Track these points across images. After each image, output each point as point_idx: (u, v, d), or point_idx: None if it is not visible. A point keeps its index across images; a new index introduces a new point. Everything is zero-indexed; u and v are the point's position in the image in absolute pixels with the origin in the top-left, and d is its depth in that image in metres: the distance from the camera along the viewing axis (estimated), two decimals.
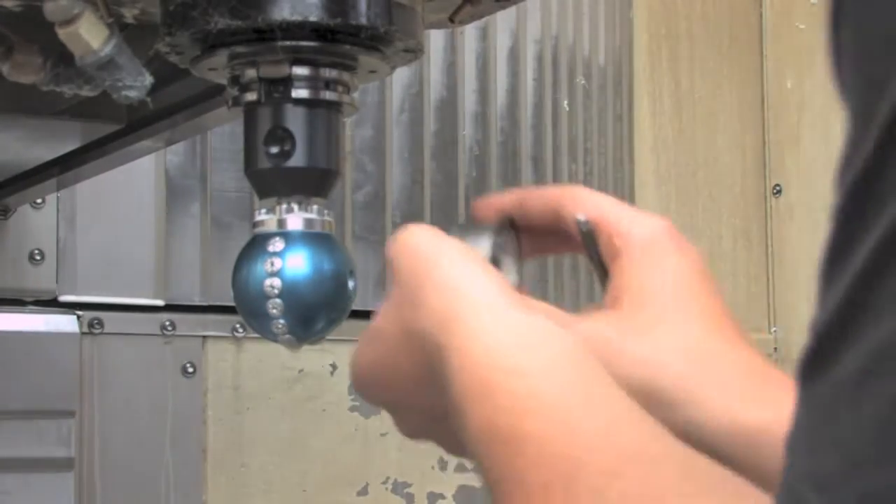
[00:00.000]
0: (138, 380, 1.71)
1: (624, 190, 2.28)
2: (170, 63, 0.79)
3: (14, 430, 1.62)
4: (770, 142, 2.57)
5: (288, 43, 0.75)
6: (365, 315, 0.71)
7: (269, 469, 1.80)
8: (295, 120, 0.76)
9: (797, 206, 2.55)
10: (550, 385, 0.53)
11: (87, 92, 0.83)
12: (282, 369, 1.81)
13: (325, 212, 0.76)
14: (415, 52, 0.79)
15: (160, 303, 1.74)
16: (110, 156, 1.20)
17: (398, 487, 1.87)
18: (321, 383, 1.82)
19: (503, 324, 0.57)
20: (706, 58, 2.51)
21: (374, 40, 0.76)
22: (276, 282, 0.73)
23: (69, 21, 0.75)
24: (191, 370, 1.74)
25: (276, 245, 0.74)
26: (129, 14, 0.81)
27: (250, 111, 0.77)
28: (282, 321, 0.74)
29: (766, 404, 0.63)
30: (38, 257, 1.66)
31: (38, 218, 1.66)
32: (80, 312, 1.68)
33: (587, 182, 2.16)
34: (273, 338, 0.75)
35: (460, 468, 1.89)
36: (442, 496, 1.89)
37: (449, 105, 1.97)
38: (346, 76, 0.78)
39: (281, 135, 0.76)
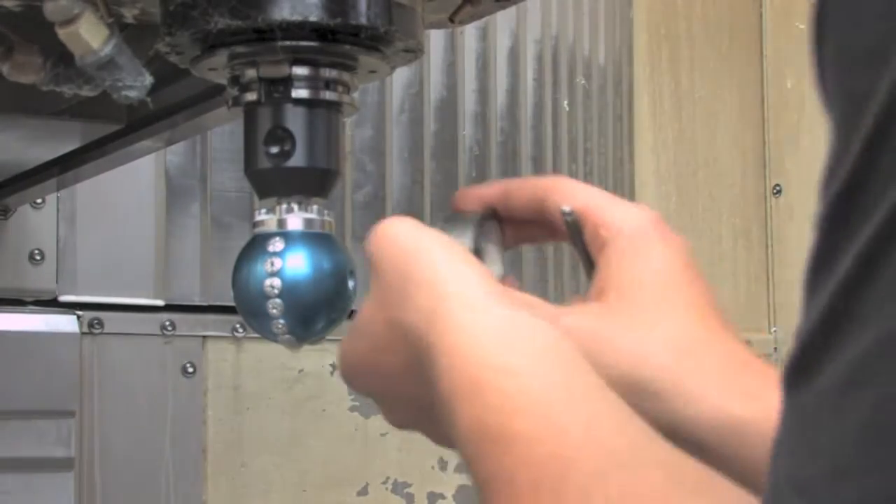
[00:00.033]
0: (138, 380, 1.71)
1: (624, 190, 2.28)
2: (170, 63, 0.79)
3: (14, 430, 1.62)
4: (770, 142, 2.58)
5: (288, 43, 0.75)
6: None
7: (269, 469, 1.80)
8: (295, 120, 0.76)
9: (797, 206, 2.55)
10: (539, 384, 0.53)
11: (87, 92, 0.83)
12: (282, 369, 1.81)
13: (325, 212, 0.76)
14: (415, 52, 0.79)
15: (160, 303, 1.74)
16: (110, 156, 1.20)
17: (398, 487, 1.87)
18: (321, 383, 1.82)
19: (490, 321, 0.57)
20: (706, 58, 2.51)
21: (374, 40, 0.76)
22: (276, 282, 0.73)
23: (69, 21, 0.75)
24: (191, 370, 1.74)
25: (276, 245, 0.74)
26: (129, 14, 0.81)
27: (250, 111, 0.77)
28: (282, 321, 0.74)
29: (751, 396, 0.63)
30: (38, 257, 1.66)
31: (38, 218, 1.66)
32: (80, 312, 1.68)
33: (587, 182, 2.16)
34: (273, 338, 0.75)
35: (460, 468, 1.89)
36: (442, 496, 1.89)
37: (449, 105, 1.97)
38: (346, 76, 0.78)
39: (281, 135, 0.76)
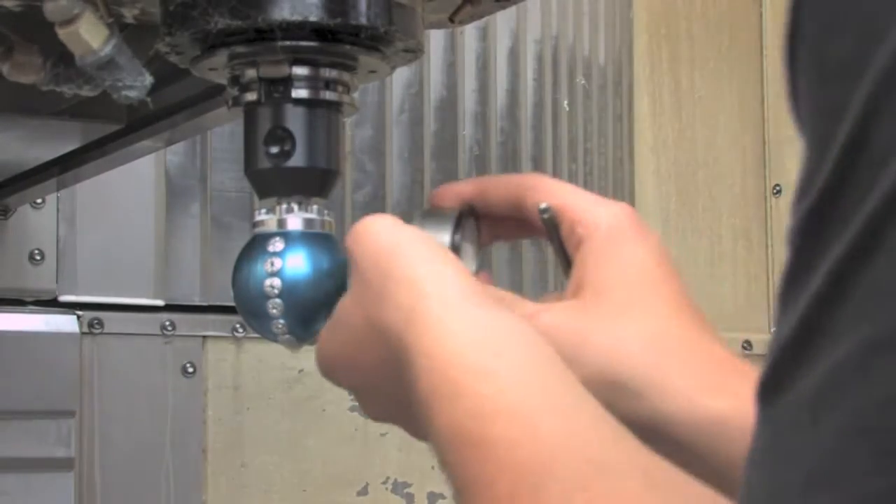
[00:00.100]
0: (138, 380, 1.71)
1: (624, 190, 2.28)
2: (170, 63, 0.79)
3: (14, 430, 1.62)
4: (770, 142, 2.57)
5: (288, 43, 0.75)
6: None
7: (269, 469, 1.80)
8: (295, 120, 0.76)
9: None
10: (517, 388, 0.54)
11: (87, 92, 0.83)
12: (282, 369, 1.81)
13: (325, 212, 0.76)
14: (415, 52, 0.79)
15: (160, 303, 1.74)
16: (110, 156, 1.19)
17: (398, 487, 1.87)
18: (321, 383, 1.82)
19: (468, 323, 0.57)
20: (706, 58, 2.51)
21: (374, 40, 0.76)
22: (276, 282, 0.73)
23: (69, 21, 0.75)
24: (191, 370, 1.74)
25: (276, 245, 0.74)
26: (129, 14, 0.81)
27: (250, 111, 0.77)
28: (282, 321, 0.74)
29: (728, 393, 0.63)
30: (38, 257, 1.66)
31: (38, 218, 1.66)
32: (80, 312, 1.68)
33: (587, 182, 2.16)
34: (273, 338, 0.75)
35: None
36: (442, 496, 1.89)
37: (449, 105, 1.97)
38: (346, 76, 0.78)
39: (281, 135, 0.76)
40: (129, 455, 1.70)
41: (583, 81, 2.16)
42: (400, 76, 1.91)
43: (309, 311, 0.73)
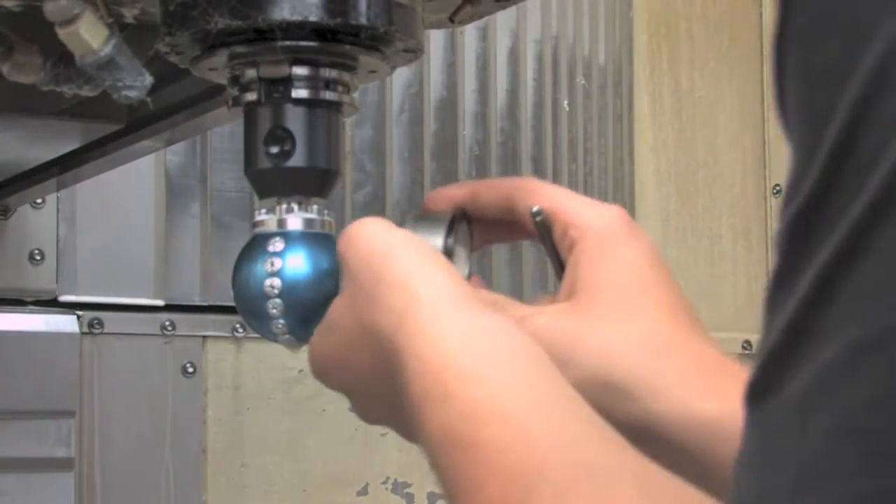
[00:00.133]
0: (138, 380, 1.71)
1: (624, 190, 2.28)
2: (170, 63, 0.79)
3: (14, 430, 1.62)
4: (770, 142, 2.57)
5: (288, 43, 0.75)
6: None
7: (269, 469, 1.80)
8: (295, 120, 0.76)
9: None
10: (508, 392, 0.54)
11: (87, 92, 0.83)
12: (282, 369, 1.81)
13: (325, 212, 0.76)
14: (415, 52, 0.79)
15: (160, 303, 1.74)
16: (110, 156, 1.19)
17: (398, 487, 1.87)
18: (321, 383, 1.82)
19: (460, 326, 0.57)
20: (706, 58, 2.51)
21: (374, 40, 0.76)
22: (276, 282, 0.73)
23: (69, 21, 0.75)
24: (191, 370, 1.74)
25: (276, 245, 0.74)
26: (129, 14, 0.81)
27: (250, 111, 0.77)
28: (282, 321, 0.74)
29: (720, 394, 0.63)
30: (38, 257, 1.66)
31: (38, 218, 1.66)
32: (80, 312, 1.68)
33: (587, 182, 2.16)
34: (273, 338, 0.75)
35: None
36: (442, 496, 1.89)
37: (449, 105, 1.97)
38: (346, 76, 0.78)
39: (281, 135, 0.76)
40: (129, 455, 1.70)
41: (583, 81, 2.16)
42: (400, 76, 1.91)
43: (309, 311, 0.73)
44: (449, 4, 0.83)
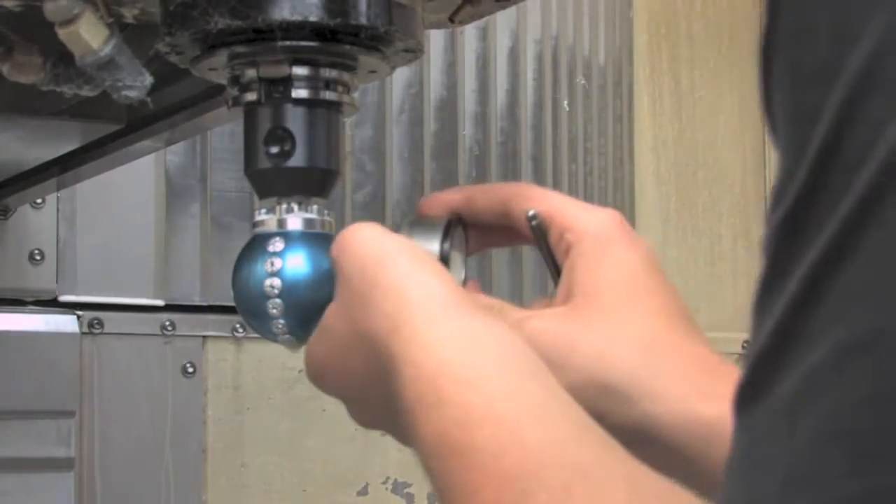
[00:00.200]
0: (138, 380, 1.71)
1: (624, 190, 2.28)
2: (170, 63, 0.79)
3: (14, 430, 1.62)
4: (770, 142, 2.58)
5: (288, 43, 0.75)
6: None
7: (269, 469, 1.80)
8: (295, 120, 0.76)
9: None
10: (501, 396, 0.54)
11: (87, 92, 0.83)
12: (282, 369, 1.80)
13: (325, 212, 0.76)
14: (415, 52, 0.79)
15: (160, 303, 1.74)
16: (110, 156, 1.19)
17: (398, 487, 1.87)
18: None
19: (454, 331, 0.57)
20: (706, 58, 2.51)
21: (374, 40, 0.76)
22: (276, 282, 0.73)
23: (69, 21, 0.75)
24: (191, 370, 1.74)
25: (276, 245, 0.74)
26: (129, 14, 0.81)
27: (250, 111, 0.77)
28: (282, 321, 0.74)
29: (718, 397, 0.63)
30: (38, 257, 1.66)
31: (38, 218, 1.66)
32: (80, 312, 1.68)
33: (587, 182, 2.16)
34: (273, 338, 0.75)
35: None
36: None
37: (449, 105, 1.97)
38: (346, 76, 0.78)
39: (281, 135, 0.76)
40: (129, 455, 1.70)
41: (583, 81, 2.16)
42: (400, 76, 1.91)
43: (309, 311, 0.73)
44: (449, 4, 0.83)
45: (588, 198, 2.17)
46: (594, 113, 2.18)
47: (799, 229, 0.36)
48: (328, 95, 0.77)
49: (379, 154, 1.90)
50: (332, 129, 0.77)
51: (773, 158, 2.57)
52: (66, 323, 1.66)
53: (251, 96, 0.77)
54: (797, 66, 0.37)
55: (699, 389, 0.64)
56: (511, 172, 2.03)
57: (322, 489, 1.83)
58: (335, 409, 0.72)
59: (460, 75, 1.98)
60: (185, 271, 1.76)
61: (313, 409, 1.81)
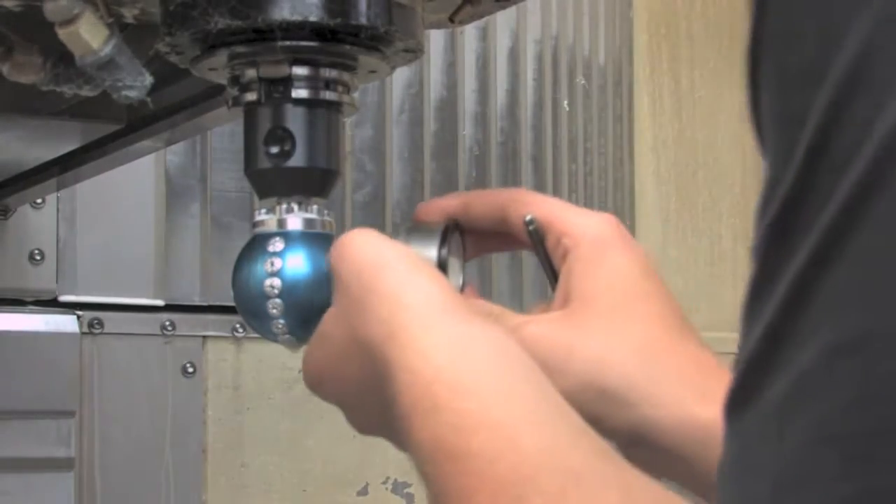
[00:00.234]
0: (138, 380, 1.71)
1: (624, 190, 2.28)
2: (170, 63, 0.79)
3: (14, 430, 1.62)
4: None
5: (288, 43, 0.75)
6: None
7: (269, 469, 1.80)
8: (295, 120, 0.76)
9: None
10: (496, 402, 0.54)
11: (87, 92, 0.83)
12: (282, 369, 1.81)
13: (325, 212, 0.76)
14: (415, 52, 0.79)
15: (160, 303, 1.74)
16: (110, 156, 1.19)
17: (398, 487, 1.87)
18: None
19: (450, 337, 0.57)
20: (706, 58, 2.51)
21: (374, 40, 0.76)
22: (276, 282, 0.73)
23: (69, 21, 0.75)
24: (191, 370, 1.74)
25: (276, 245, 0.74)
26: (129, 14, 0.81)
27: (250, 111, 0.77)
28: (282, 321, 0.74)
29: (716, 400, 0.63)
30: (38, 257, 1.66)
31: (38, 218, 1.66)
32: (80, 312, 1.68)
33: (587, 182, 2.16)
34: (273, 338, 0.75)
35: None
36: None
37: (449, 105, 1.97)
38: (346, 76, 0.78)
39: (281, 135, 0.76)
40: (129, 455, 1.70)
41: (583, 81, 2.16)
42: (400, 76, 1.91)
43: (309, 311, 0.73)
44: (449, 4, 0.83)
45: (588, 198, 2.17)
46: (594, 113, 2.18)
47: (787, 233, 0.36)
48: (328, 95, 0.77)
49: (379, 154, 1.90)
50: (332, 129, 0.77)
51: None
52: (66, 323, 1.66)
53: (251, 96, 0.77)
54: (784, 69, 0.37)
55: (696, 392, 0.64)
56: (511, 172, 2.03)
57: (322, 489, 1.83)
58: (335, 409, 0.72)
59: (460, 75, 1.98)
60: (185, 271, 1.76)
61: (313, 409, 1.81)
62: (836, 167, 0.35)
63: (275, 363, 1.80)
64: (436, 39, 1.95)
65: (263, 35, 0.74)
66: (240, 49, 0.75)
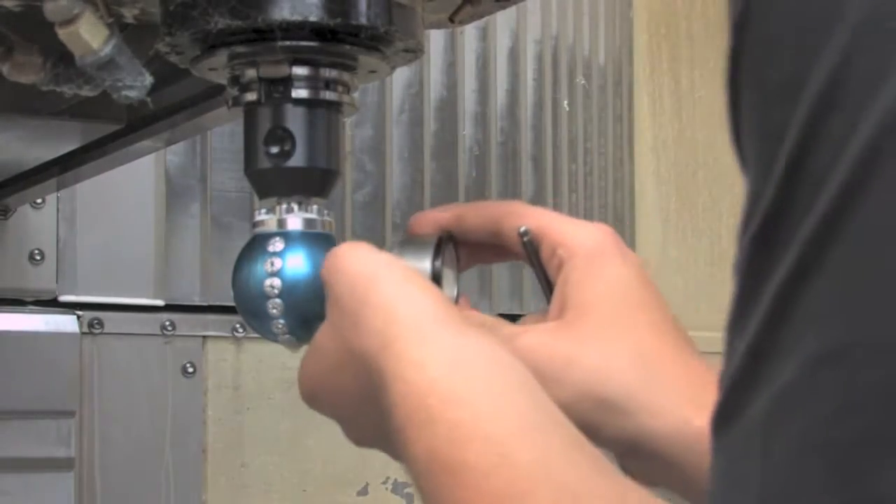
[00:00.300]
0: (138, 380, 1.71)
1: (624, 190, 2.28)
2: (170, 63, 0.79)
3: (14, 430, 1.62)
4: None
5: (288, 43, 0.74)
6: None
7: (269, 469, 1.80)
8: (295, 120, 0.76)
9: None
10: (490, 414, 0.54)
11: (87, 92, 0.83)
12: (282, 369, 1.80)
13: (325, 212, 0.76)
14: (415, 52, 0.79)
15: (160, 303, 1.74)
16: (110, 156, 1.19)
17: (398, 487, 1.87)
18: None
19: (444, 349, 0.57)
20: (706, 58, 2.51)
21: (374, 40, 0.76)
22: (276, 282, 0.73)
23: (69, 21, 0.75)
24: (191, 370, 1.74)
25: (276, 245, 0.74)
26: (129, 14, 0.81)
27: (250, 111, 0.77)
28: (282, 321, 0.74)
29: (711, 409, 0.63)
30: (38, 257, 1.66)
31: (38, 218, 1.66)
32: (80, 312, 1.68)
33: (587, 182, 2.16)
34: (273, 338, 0.75)
35: None
36: None
37: (449, 105, 1.97)
38: (346, 76, 0.78)
39: (281, 135, 0.76)
40: (129, 455, 1.70)
41: (583, 81, 2.16)
42: (400, 76, 1.91)
43: (309, 311, 0.73)
44: (449, 4, 0.83)
45: (588, 198, 2.17)
46: (594, 113, 2.18)
47: (769, 247, 0.36)
48: (328, 95, 0.77)
49: (379, 154, 1.90)
50: (332, 129, 0.77)
51: None
52: (66, 323, 1.66)
53: (251, 96, 0.77)
54: (763, 84, 0.37)
55: (692, 401, 0.64)
56: (511, 172, 2.03)
57: (322, 489, 1.83)
58: None
59: (460, 75, 1.98)
60: (185, 271, 1.76)
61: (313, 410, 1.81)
62: (815, 181, 0.35)
63: (275, 363, 1.80)
64: (436, 39, 1.95)
65: (263, 35, 0.74)
66: (240, 49, 0.75)
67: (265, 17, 0.73)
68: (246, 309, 0.75)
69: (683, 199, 2.46)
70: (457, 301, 0.72)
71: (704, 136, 2.50)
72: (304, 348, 0.76)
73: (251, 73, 0.77)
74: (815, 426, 0.34)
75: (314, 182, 0.76)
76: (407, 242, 0.72)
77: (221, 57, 0.76)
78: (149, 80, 0.78)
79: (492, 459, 0.52)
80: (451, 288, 0.72)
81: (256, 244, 0.75)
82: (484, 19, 1.02)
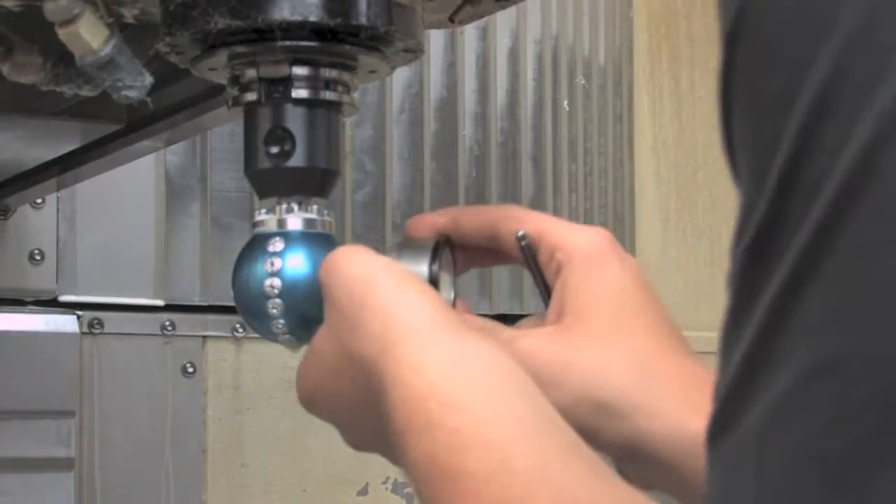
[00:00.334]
0: (138, 380, 1.71)
1: (624, 190, 2.28)
2: (170, 63, 0.79)
3: (14, 430, 1.62)
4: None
5: (288, 43, 0.74)
6: None
7: (269, 469, 1.80)
8: (295, 120, 0.76)
9: None
10: (489, 419, 0.54)
11: (87, 92, 0.83)
12: (282, 369, 1.81)
13: (325, 212, 0.76)
14: (415, 52, 0.79)
15: (160, 303, 1.74)
16: (110, 156, 1.19)
17: (398, 487, 1.87)
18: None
19: (443, 353, 0.57)
20: (706, 58, 2.51)
21: (374, 40, 0.76)
22: (276, 282, 0.73)
23: (69, 21, 0.75)
24: (191, 370, 1.74)
25: (276, 245, 0.74)
26: (129, 14, 0.81)
27: (250, 111, 0.77)
28: (282, 321, 0.74)
29: (708, 413, 0.63)
30: (38, 257, 1.66)
31: (38, 218, 1.66)
32: (80, 312, 1.68)
33: (587, 182, 2.16)
34: (273, 338, 0.75)
35: None
36: None
37: (449, 105, 1.97)
38: (346, 76, 0.78)
39: (281, 135, 0.76)
40: (129, 455, 1.70)
41: (583, 81, 2.16)
42: (400, 76, 1.91)
43: (309, 311, 0.73)
44: (449, 4, 0.83)
45: (588, 198, 2.17)
46: (594, 113, 2.18)
47: (762, 259, 0.36)
48: (328, 95, 0.77)
49: (379, 154, 1.90)
50: (332, 129, 0.77)
51: None
52: (66, 323, 1.66)
53: (251, 96, 0.77)
54: (756, 96, 0.37)
55: (690, 405, 0.64)
56: (511, 172, 2.03)
57: (322, 489, 1.83)
58: None
59: (460, 75, 1.98)
60: (185, 271, 1.76)
61: None
62: (808, 192, 0.35)
63: (275, 363, 1.80)
64: (436, 39, 1.95)
65: (263, 35, 0.74)
66: (240, 49, 0.75)
67: (265, 17, 0.73)
68: (246, 309, 0.75)
69: (683, 199, 2.46)
70: (454, 304, 0.72)
71: (704, 136, 2.50)
72: (304, 349, 0.76)
73: (251, 73, 0.77)
74: (809, 437, 0.34)
75: (314, 182, 0.76)
76: (404, 246, 0.72)
77: (221, 57, 0.76)
78: (149, 80, 0.78)
79: (491, 465, 0.52)
80: (448, 292, 0.72)
81: (256, 244, 0.75)
82: (484, 19, 1.02)
